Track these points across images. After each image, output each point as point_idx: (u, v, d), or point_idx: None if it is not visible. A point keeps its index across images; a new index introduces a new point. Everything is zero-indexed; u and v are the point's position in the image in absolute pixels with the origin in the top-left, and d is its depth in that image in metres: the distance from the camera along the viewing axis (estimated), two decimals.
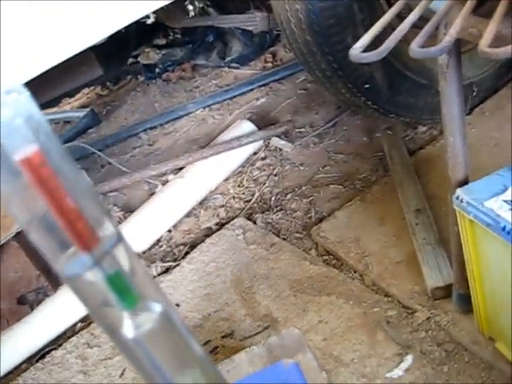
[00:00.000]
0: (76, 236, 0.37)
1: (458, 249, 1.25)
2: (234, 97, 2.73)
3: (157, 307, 0.39)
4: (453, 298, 1.40)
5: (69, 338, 1.81)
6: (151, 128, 2.77)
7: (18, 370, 1.78)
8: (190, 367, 0.41)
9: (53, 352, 1.78)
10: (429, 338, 1.39)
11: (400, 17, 1.11)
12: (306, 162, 2.14)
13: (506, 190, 1.08)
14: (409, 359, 1.36)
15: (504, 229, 1.01)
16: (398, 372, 1.35)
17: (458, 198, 1.12)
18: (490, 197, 1.08)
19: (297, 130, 2.31)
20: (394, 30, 1.03)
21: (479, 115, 2.01)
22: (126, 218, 2.18)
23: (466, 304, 1.35)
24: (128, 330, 0.38)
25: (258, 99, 2.65)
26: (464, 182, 1.18)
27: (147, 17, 2.20)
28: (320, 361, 1.41)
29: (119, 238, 0.40)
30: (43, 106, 2.81)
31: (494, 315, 1.24)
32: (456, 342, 1.35)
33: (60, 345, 1.79)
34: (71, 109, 3.28)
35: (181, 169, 2.24)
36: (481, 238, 1.12)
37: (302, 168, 2.12)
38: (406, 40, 1.00)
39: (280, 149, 2.24)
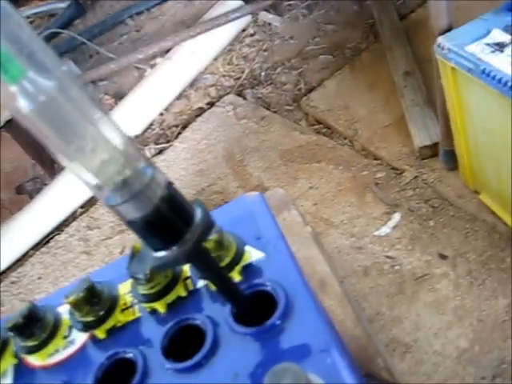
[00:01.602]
0: None
1: (442, 103, 1.23)
2: None
3: (49, 81, 0.37)
4: (439, 155, 1.40)
5: (70, 223, 1.85)
6: (137, 13, 2.67)
7: (25, 257, 1.83)
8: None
9: (56, 237, 1.83)
10: (416, 195, 1.40)
11: None
12: (296, 34, 2.08)
13: (489, 33, 1.05)
14: (396, 217, 1.39)
15: (484, 71, 0.99)
16: (385, 230, 1.38)
17: (439, 45, 1.09)
18: (471, 41, 1.05)
19: (286, 3, 2.22)
20: None
21: None
22: (117, 104, 2.16)
23: (452, 161, 1.36)
24: (19, 104, 0.36)
25: None
26: (447, 31, 1.14)
27: None
28: (311, 224, 1.44)
29: None
30: None
31: (478, 166, 1.24)
32: (442, 198, 1.37)
33: (62, 230, 1.84)
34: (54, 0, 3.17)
35: (168, 51, 2.19)
36: (463, 86, 1.10)
37: (291, 41, 2.06)
38: None
39: (269, 23, 2.17)
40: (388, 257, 1.32)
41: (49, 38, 2.72)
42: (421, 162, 1.45)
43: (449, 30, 1.15)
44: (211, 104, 1.98)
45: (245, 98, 1.91)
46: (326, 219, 1.45)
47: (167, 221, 0.44)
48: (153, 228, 0.44)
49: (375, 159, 1.53)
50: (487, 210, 1.28)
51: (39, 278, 1.76)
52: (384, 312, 1.24)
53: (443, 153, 1.38)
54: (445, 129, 1.31)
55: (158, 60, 2.22)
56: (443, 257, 1.28)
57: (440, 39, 1.09)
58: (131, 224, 0.44)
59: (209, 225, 0.46)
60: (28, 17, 3.07)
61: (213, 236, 0.57)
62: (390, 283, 1.27)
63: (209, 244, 0.57)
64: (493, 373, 1.08)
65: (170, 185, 0.44)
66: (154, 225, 0.43)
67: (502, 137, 1.06)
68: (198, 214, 0.46)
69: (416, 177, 1.43)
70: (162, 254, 0.45)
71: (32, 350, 0.62)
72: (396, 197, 1.42)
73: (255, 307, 0.56)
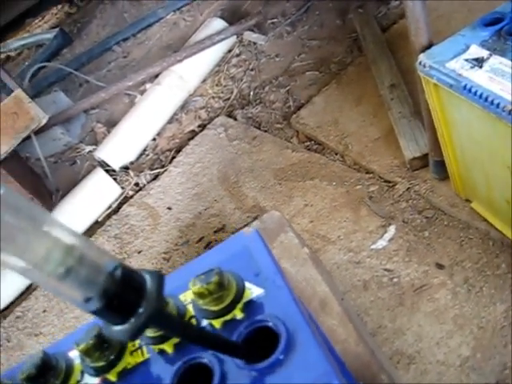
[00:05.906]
0: None
1: (428, 116, 1.26)
2: None
3: None
4: (430, 166, 1.43)
5: None
6: (124, 40, 2.71)
7: (29, 290, 1.85)
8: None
9: None
10: (410, 207, 1.43)
11: None
12: (281, 52, 2.12)
13: (467, 49, 1.08)
14: (392, 229, 1.41)
15: (465, 87, 1.02)
16: (382, 243, 1.40)
17: (420, 63, 1.12)
18: (451, 58, 1.08)
19: (269, 22, 2.26)
20: None
21: None
22: (110, 132, 2.19)
23: (442, 170, 1.38)
24: None
25: None
26: (427, 47, 1.17)
27: None
28: (308, 241, 1.46)
29: None
30: (9, 27, 2.74)
31: (467, 176, 1.27)
32: (435, 208, 1.40)
33: None
34: (41, 31, 3.20)
35: (157, 76, 2.22)
36: (446, 101, 1.13)
37: (277, 59, 2.10)
38: None
39: (254, 42, 2.20)
40: (386, 269, 1.34)
41: (38, 70, 2.76)
42: (412, 174, 1.47)
43: (429, 46, 1.18)
44: (202, 126, 2.01)
45: (235, 119, 1.94)
46: (323, 236, 1.47)
47: (119, 299, 0.47)
48: (106, 307, 0.46)
49: (367, 173, 1.56)
50: (479, 217, 1.31)
51: (44, 311, 1.77)
52: (386, 325, 1.26)
53: (433, 163, 1.40)
54: (433, 140, 1.34)
55: (148, 86, 2.25)
56: (440, 266, 1.30)
57: (421, 57, 1.12)
58: (81, 306, 0.46)
59: (161, 290, 0.49)
60: (16, 49, 3.11)
61: (213, 278, 0.59)
62: (389, 296, 1.30)
63: (210, 286, 0.59)
64: (496, 379, 1.10)
65: (117, 264, 0.47)
66: (107, 304, 0.46)
67: (487, 148, 1.09)
68: (149, 282, 0.49)
69: (408, 188, 1.45)
70: (120, 327, 0.48)
71: None
72: (390, 209, 1.45)
73: (255, 342, 0.59)
